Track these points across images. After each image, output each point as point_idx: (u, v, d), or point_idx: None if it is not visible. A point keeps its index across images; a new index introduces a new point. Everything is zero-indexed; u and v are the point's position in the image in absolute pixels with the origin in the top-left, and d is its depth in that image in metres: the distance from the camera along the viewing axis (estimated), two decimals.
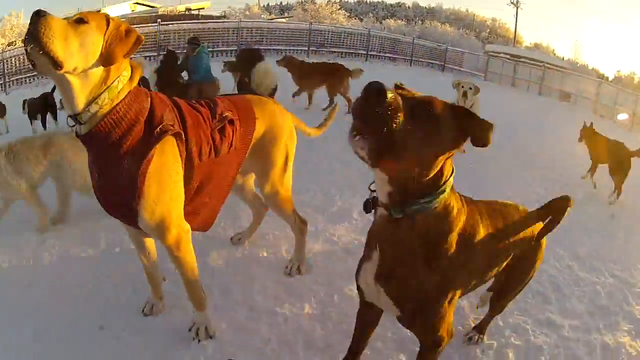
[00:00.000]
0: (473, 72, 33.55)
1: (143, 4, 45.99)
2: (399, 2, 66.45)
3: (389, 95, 1.96)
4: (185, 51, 13.60)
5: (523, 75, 33.11)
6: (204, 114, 3.60)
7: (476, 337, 4.17)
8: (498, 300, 3.96)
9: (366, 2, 66.55)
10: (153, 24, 24.45)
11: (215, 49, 24.52)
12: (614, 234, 7.62)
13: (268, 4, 62.01)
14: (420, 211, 2.44)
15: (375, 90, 1.96)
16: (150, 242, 3.84)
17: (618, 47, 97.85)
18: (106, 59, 2.82)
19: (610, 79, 59.34)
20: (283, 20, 44.26)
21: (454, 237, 2.64)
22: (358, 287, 3.05)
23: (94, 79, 2.85)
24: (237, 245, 5.22)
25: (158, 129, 3.12)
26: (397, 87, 2.40)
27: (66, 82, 2.76)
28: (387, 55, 31.94)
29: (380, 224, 2.65)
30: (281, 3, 62.55)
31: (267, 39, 27.60)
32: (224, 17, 43.88)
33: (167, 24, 24.88)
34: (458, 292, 2.94)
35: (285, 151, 4.25)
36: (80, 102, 2.85)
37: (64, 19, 2.67)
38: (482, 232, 2.88)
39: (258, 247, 5.19)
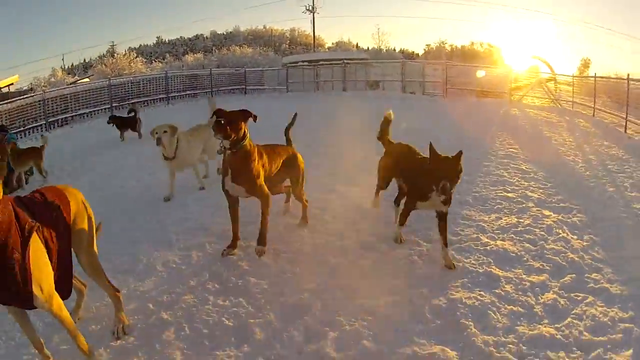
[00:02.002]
0: (275, 87, 34.32)
1: None
2: (196, 35, 66.43)
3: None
4: None
5: (325, 77, 34.32)
6: (38, 204, 4.24)
7: None
8: (296, 193, 7.40)
9: (164, 42, 66.07)
10: None
11: (26, 127, 23.27)
12: None
13: (72, 64, 60.66)
14: (240, 148, 6.09)
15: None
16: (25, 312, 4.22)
17: (423, 23, 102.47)
18: None
19: (420, 54, 62.47)
20: (86, 80, 43.09)
21: (255, 158, 6.28)
22: (224, 189, 6.42)
23: None
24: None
25: (27, 226, 3.77)
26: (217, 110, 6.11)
27: None
28: (188, 92, 31.90)
29: (229, 155, 6.19)
30: (84, 61, 61.27)
31: (73, 105, 26.13)
32: (31, 89, 42.50)
33: None
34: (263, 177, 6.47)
35: (90, 225, 4.81)
36: None
37: None
38: (265, 157, 6.54)
39: (85, 321, 5.17)
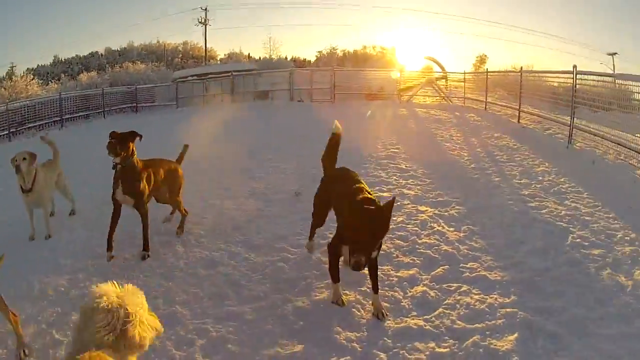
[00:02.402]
0: (166, 103, 34.08)
1: None
2: (91, 53, 65.16)
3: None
4: None
5: (214, 90, 34.52)
6: None
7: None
8: (172, 201, 8.04)
9: (61, 60, 64.62)
10: None
11: None
12: (298, 211, 8.38)
13: None
14: (128, 164, 6.86)
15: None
16: None
17: (316, 30, 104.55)
18: None
19: (312, 61, 63.30)
20: None
21: (140, 172, 7.04)
22: (113, 199, 7.04)
23: None
24: None
25: None
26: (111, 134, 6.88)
27: None
28: (82, 114, 30.79)
29: (119, 170, 6.87)
30: None
31: None
32: None
33: None
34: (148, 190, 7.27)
35: None
36: None
37: None
38: (150, 170, 7.28)
39: None
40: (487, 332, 4.84)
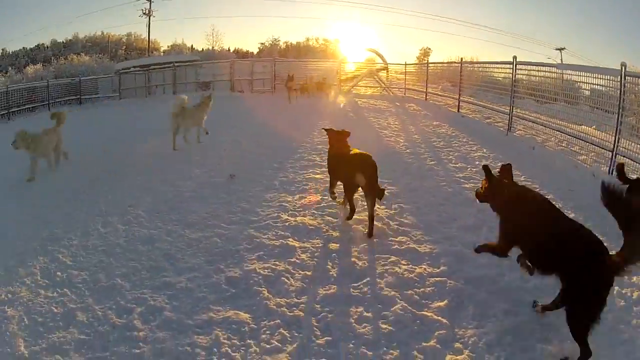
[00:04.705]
0: (109, 95, 32.99)
1: None
2: (37, 45, 63.64)
3: None
4: None
5: (157, 81, 33.89)
6: None
7: None
8: None
9: (8, 53, 62.97)
10: None
11: None
12: (232, 192, 8.60)
13: None
14: None
15: None
16: None
17: (259, 21, 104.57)
18: None
19: (255, 52, 63.07)
20: None
21: None
22: None
23: None
24: None
25: None
26: None
27: None
28: (27, 106, 29.42)
29: None
30: None
31: None
32: None
33: None
34: None
35: None
36: None
37: None
38: None
39: None
40: (416, 298, 5.02)
